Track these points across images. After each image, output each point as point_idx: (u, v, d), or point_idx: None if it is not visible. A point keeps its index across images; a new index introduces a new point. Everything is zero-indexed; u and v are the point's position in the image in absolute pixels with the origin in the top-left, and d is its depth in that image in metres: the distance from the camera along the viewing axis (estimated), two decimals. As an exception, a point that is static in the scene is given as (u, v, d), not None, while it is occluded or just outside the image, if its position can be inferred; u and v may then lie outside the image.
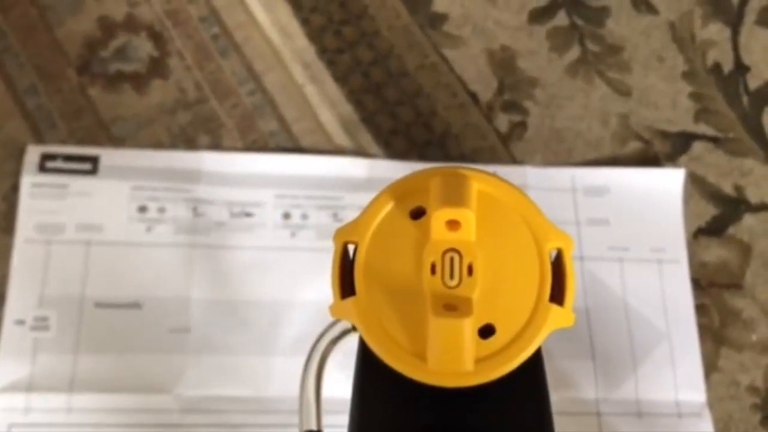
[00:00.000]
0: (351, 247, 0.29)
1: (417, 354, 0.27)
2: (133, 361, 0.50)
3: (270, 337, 0.52)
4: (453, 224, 0.27)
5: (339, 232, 0.29)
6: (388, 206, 0.29)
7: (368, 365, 0.28)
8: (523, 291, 0.28)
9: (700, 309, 0.54)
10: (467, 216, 0.27)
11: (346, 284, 0.28)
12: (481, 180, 0.29)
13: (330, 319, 0.31)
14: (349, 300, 0.28)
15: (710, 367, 0.53)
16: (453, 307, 0.26)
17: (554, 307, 0.27)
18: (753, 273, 0.56)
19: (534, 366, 0.28)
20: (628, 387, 0.52)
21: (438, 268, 0.27)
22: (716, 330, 0.54)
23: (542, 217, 0.29)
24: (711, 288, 0.55)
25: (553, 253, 0.29)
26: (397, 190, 0.29)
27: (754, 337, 0.54)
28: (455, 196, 0.27)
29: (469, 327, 0.26)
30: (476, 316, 0.26)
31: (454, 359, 0.26)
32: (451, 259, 0.27)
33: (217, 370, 0.51)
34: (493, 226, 0.28)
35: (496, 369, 0.27)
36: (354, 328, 0.29)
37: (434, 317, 0.26)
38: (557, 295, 0.28)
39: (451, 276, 0.27)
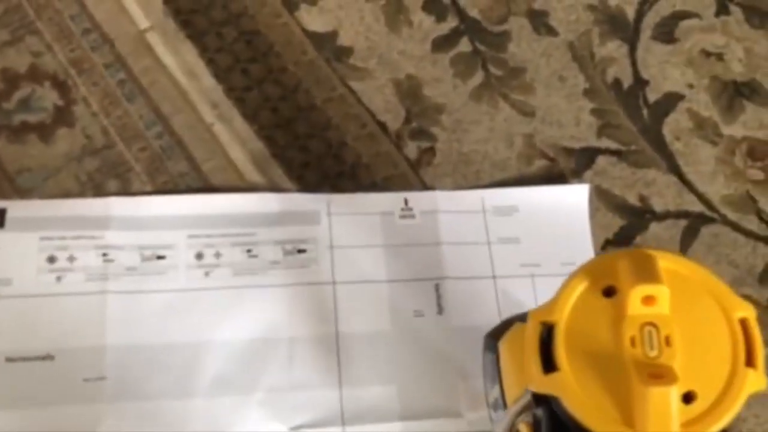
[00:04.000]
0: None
1: (623, 422, 0.28)
2: (48, 414, 0.49)
3: (189, 379, 0.51)
4: (648, 300, 0.29)
5: (535, 313, 0.32)
6: (581, 287, 0.32)
7: None
8: (718, 358, 0.30)
9: (613, 319, 0.56)
10: (662, 291, 0.29)
11: (543, 360, 0.31)
12: (665, 258, 0.31)
13: None
14: (554, 375, 0.30)
15: (626, 374, 0.54)
16: (658, 375, 0.28)
17: (750, 371, 0.29)
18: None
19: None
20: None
21: (637, 341, 0.29)
22: (629, 338, 0.56)
23: (726, 288, 0.31)
24: (622, 297, 0.57)
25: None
26: (587, 273, 0.32)
27: (666, 343, 0.56)
28: (648, 273, 0.30)
29: (675, 393, 0.28)
30: (679, 383, 0.28)
31: (663, 425, 0.28)
32: (649, 332, 0.30)
33: (136, 415, 0.50)
34: (682, 300, 0.30)
35: None
36: (536, 403, 0.32)
37: (642, 385, 0.28)
38: (749, 360, 0.30)
39: (651, 347, 0.29)
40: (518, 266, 0.56)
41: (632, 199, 0.60)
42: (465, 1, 0.65)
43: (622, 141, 0.62)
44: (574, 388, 0.30)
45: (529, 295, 0.55)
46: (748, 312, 0.31)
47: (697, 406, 0.29)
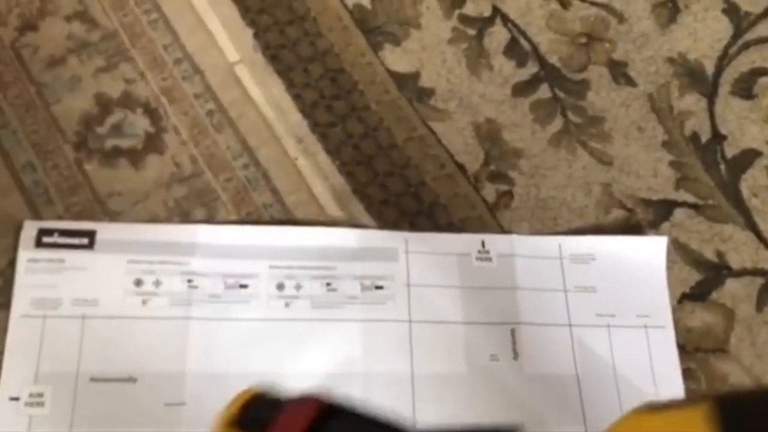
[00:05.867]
0: None
1: None
2: (128, 436, 0.50)
3: (264, 409, 0.52)
4: None
5: None
6: None
7: None
8: None
9: (687, 374, 0.55)
10: None
11: None
12: None
13: None
14: None
15: None
16: None
17: None
18: (737, 337, 0.57)
19: None
20: (620, 454, 0.52)
21: None
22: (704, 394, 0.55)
23: None
24: (697, 353, 0.57)
25: None
26: None
27: (741, 401, 0.55)
28: None
29: None
30: None
31: None
32: None
33: (211, 443, 0.51)
34: None
35: None
36: None
37: None
38: None
39: None
40: (594, 316, 0.56)
41: (709, 254, 0.60)
42: (545, 48, 0.66)
43: (699, 195, 0.62)
44: None
45: (605, 345, 0.55)
46: None
47: None
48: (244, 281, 0.55)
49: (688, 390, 0.55)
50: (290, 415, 0.33)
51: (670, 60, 0.66)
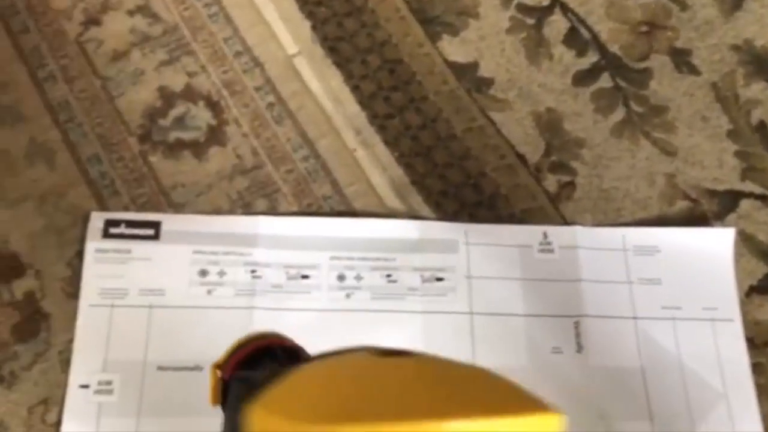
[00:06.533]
0: None
1: None
2: (195, 424, 0.51)
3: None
4: None
5: None
6: None
7: None
8: None
9: (757, 368, 0.54)
10: None
11: None
12: None
13: None
14: None
15: (770, 427, 0.53)
16: None
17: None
18: (808, 331, 0.56)
19: None
20: (687, 448, 0.52)
21: None
22: (774, 390, 0.54)
23: None
24: (766, 347, 0.55)
25: None
26: None
27: (813, 397, 0.54)
28: None
29: None
30: None
31: None
32: None
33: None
34: None
35: None
36: None
37: None
38: None
39: None
40: (659, 308, 0.55)
41: (778, 246, 0.58)
42: (606, 36, 0.65)
43: (766, 185, 0.60)
44: None
45: (670, 338, 0.54)
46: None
47: None
48: (305, 272, 0.55)
49: (757, 385, 0.53)
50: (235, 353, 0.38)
51: (735, 47, 0.65)
